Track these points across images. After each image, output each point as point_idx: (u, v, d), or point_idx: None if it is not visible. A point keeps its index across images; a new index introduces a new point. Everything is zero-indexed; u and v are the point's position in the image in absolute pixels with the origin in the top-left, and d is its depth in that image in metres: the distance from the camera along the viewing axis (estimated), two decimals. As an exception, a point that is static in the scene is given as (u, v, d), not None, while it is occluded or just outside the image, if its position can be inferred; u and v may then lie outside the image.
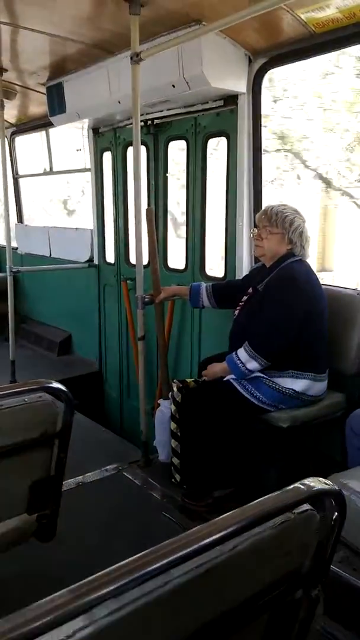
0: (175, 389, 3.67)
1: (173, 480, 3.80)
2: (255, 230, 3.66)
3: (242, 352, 3.44)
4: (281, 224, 3.51)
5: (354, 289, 3.67)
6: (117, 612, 0.98)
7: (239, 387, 3.47)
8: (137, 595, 1.01)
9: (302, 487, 1.27)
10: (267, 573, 1.29)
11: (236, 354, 3.47)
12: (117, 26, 4.00)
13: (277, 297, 3.43)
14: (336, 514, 1.32)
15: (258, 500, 1.21)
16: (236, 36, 3.88)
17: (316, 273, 3.62)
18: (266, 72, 4.07)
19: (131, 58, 3.71)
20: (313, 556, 1.36)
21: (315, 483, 1.29)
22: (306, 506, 1.28)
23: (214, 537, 1.11)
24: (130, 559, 1.03)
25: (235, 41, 3.94)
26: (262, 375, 3.45)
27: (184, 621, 1.14)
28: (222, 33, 3.83)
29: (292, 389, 3.44)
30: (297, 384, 3.45)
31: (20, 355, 6.35)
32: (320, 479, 1.31)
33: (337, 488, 1.31)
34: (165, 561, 1.04)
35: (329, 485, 1.30)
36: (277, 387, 3.43)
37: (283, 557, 1.30)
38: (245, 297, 3.74)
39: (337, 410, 3.61)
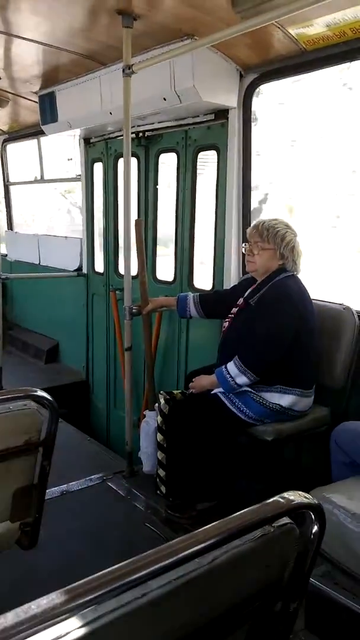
0: (162, 400, 3.66)
1: (158, 492, 3.79)
2: (247, 245, 3.64)
3: (231, 367, 3.43)
4: (273, 239, 3.49)
5: (340, 304, 3.69)
6: (94, 622, 0.98)
7: (226, 401, 3.47)
8: (114, 605, 1.01)
9: (281, 500, 1.27)
10: (247, 585, 1.30)
11: (226, 367, 3.46)
12: (110, 38, 4.03)
13: (270, 313, 3.43)
14: (316, 527, 1.33)
15: (238, 513, 1.22)
16: (228, 51, 3.92)
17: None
18: (257, 87, 4.11)
19: (123, 70, 3.74)
20: (292, 569, 1.37)
21: (295, 497, 1.29)
22: (286, 519, 1.29)
23: (193, 549, 1.11)
24: (109, 569, 1.03)
25: (226, 56, 3.98)
26: (249, 389, 3.45)
27: (161, 633, 1.14)
28: (214, 48, 3.87)
29: (278, 404, 3.44)
30: (284, 400, 3.45)
31: (7, 362, 6.33)
32: (300, 492, 1.32)
33: (316, 502, 1.31)
34: (143, 572, 1.04)
35: (308, 498, 1.30)
36: (264, 402, 3.43)
37: (262, 570, 1.31)
38: (235, 309, 3.74)
39: (322, 425, 3.61)
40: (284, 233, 3.50)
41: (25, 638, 0.90)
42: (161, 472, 3.75)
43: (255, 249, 3.55)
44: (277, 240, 3.49)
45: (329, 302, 3.77)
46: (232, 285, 4.37)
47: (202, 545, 1.11)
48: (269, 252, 3.52)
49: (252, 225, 3.70)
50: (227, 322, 3.77)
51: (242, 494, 3.55)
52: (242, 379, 3.40)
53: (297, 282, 3.55)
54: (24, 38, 4.29)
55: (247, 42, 3.74)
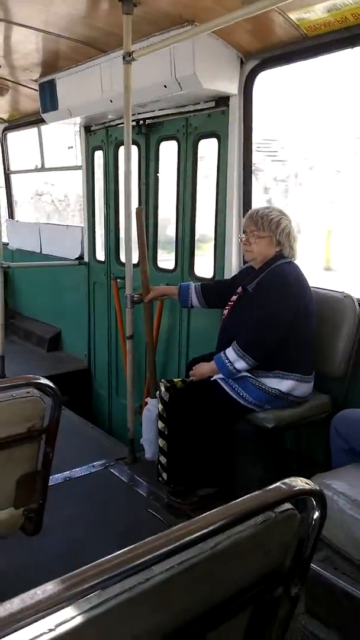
0: (163, 388, 3.68)
1: (160, 479, 3.81)
2: (243, 235, 3.67)
3: (230, 352, 3.46)
4: (268, 227, 3.52)
5: (341, 292, 3.69)
6: (98, 607, 1.00)
7: (225, 387, 3.49)
8: (118, 590, 1.03)
9: (283, 486, 1.29)
10: (248, 571, 1.31)
11: (224, 353, 3.49)
12: (110, 25, 4.01)
13: (267, 297, 3.46)
14: (317, 513, 1.34)
15: (240, 499, 1.23)
16: (228, 37, 3.90)
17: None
18: (258, 74, 4.08)
19: (123, 58, 3.72)
20: (294, 555, 1.38)
21: (297, 483, 1.30)
22: (287, 505, 1.30)
23: (196, 534, 1.12)
24: (112, 555, 1.04)
25: (227, 42, 3.95)
26: (248, 375, 3.47)
27: (165, 617, 1.16)
28: (215, 34, 3.84)
29: (277, 389, 3.46)
30: (283, 384, 3.47)
31: (9, 350, 6.35)
32: (302, 478, 1.33)
33: (318, 488, 1.33)
34: (147, 557, 1.05)
35: (310, 485, 1.32)
36: (263, 387, 3.46)
37: (264, 556, 1.32)
38: (234, 297, 3.76)
39: (323, 412, 3.63)
40: (279, 220, 3.53)
41: (31, 623, 0.92)
42: (162, 459, 3.77)
43: (251, 238, 3.58)
44: (272, 227, 3.52)
45: (330, 290, 3.78)
46: (233, 272, 4.38)
47: (205, 530, 1.13)
48: (265, 239, 3.54)
49: (246, 215, 3.72)
50: (227, 310, 3.79)
51: (243, 480, 3.58)
52: (240, 364, 3.42)
53: (294, 267, 3.57)
54: (23, 25, 4.27)
55: (247, 28, 3.72)
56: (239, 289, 3.72)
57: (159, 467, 3.80)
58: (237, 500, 1.22)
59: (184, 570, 1.12)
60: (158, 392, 3.75)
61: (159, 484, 3.85)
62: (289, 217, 3.60)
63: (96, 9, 3.88)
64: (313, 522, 1.36)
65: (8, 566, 2.93)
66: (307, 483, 1.32)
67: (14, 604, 0.93)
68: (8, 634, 0.89)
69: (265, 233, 3.53)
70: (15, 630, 0.90)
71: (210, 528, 1.14)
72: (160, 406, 3.70)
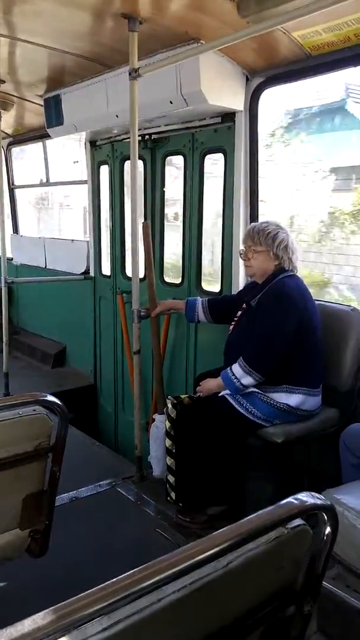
0: (169, 405, 3.66)
1: (168, 498, 3.77)
2: (242, 251, 3.69)
3: (236, 368, 3.45)
4: (264, 241, 3.54)
5: (348, 305, 3.69)
6: (109, 629, 0.98)
7: (233, 403, 3.47)
8: (130, 612, 1.01)
9: (295, 501, 1.27)
10: (261, 589, 1.30)
11: (231, 369, 3.47)
12: (116, 42, 4.04)
13: (270, 312, 3.46)
14: (328, 529, 1.33)
15: (252, 515, 1.22)
16: (234, 55, 3.92)
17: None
18: (263, 90, 4.11)
19: (129, 74, 3.75)
20: (306, 571, 1.36)
21: (308, 498, 1.29)
22: (299, 521, 1.29)
23: (208, 553, 1.11)
24: (124, 575, 1.03)
25: (232, 59, 3.98)
26: (256, 390, 3.46)
27: (177, 637, 1.14)
28: (220, 51, 3.86)
29: (286, 403, 3.44)
30: (292, 399, 3.46)
31: (13, 366, 6.33)
32: (313, 493, 1.32)
33: (329, 503, 1.31)
34: (158, 577, 1.04)
35: (321, 500, 1.30)
36: (271, 402, 3.44)
37: (276, 573, 1.31)
38: (239, 313, 3.76)
39: (331, 426, 3.61)
40: (275, 234, 3.55)
41: None
42: (170, 478, 3.73)
43: (249, 253, 3.61)
44: (268, 241, 3.53)
45: (337, 304, 3.78)
46: (240, 287, 4.38)
47: (217, 548, 1.11)
48: (263, 254, 3.56)
49: (245, 231, 3.75)
50: (232, 325, 3.80)
51: (252, 497, 3.55)
52: (247, 380, 3.41)
53: (296, 281, 3.58)
54: (29, 42, 4.30)
55: (253, 46, 3.74)
56: (244, 305, 3.72)
57: (167, 486, 3.76)
58: (249, 517, 1.21)
59: (196, 590, 1.11)
60: (165, 408, 3.73)
61: (167, 503, 3.81)
62: (286, 231, 3.61)
63: (102, 26, 3.91)
64: (325, 538, 1.34)
65: (14, 588, 2.88)
66: (318, 498, 1.31)
67: (25, 625, 0.92)
68: None
69: (262, 247, 3.55)
70: None
71: (223, 546, 1.13)
72: (167, 423, 3.68)
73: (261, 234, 3.55)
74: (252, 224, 3.75)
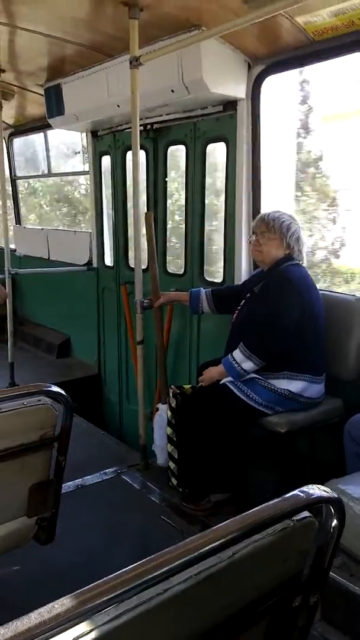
0: (171, 394, 3.68)
1: (170, 483, 3.81)
2: (253, 236, 3.68)
3: (237, 353, 3.47)
4: (279, 230, 3.56)
5: (352, 295, 3.68)
6: (117, 619, 0.99)
7: (234, 389, 3.49)
8: (137, 602, 1.02)
9: (301, 494, 1.27)
10: (267, 580, 1.30)
11: (232, 355, 3.50)
12: (117, 29, 4.00)
13: (272, 297, 3.49)
14: (335, 521, 1.33)
15: (258, 507, 1.21)
16: (236, 42, 3.89)
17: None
18: (265, 78, 4.07)
19: (130, 62, 3.72)
20: (312, 563, 1.37)
21: (315, 490, 1.29)
22: (305, 513, 1.29)
23: (214, 544, 1.11)
24: (131, 566, 1.03)
25: (234, 47, 3.94)
26: (257, 376, 3.47)
27: (183, 628, 1.14)
28: (222, 38, 3.83)
29: (287, 389, 3.45)
30: (293, 385, 3.47)
31: (18, 357, 6.36)
32: (320, 486, 1.31)
33: (336, 495, 1.31)
34: (165, 568, 1.04)
35: (328, 492, 1.30)
36: (272, 387, 3.46)
37: (282, 564, 1.31)
38: (243, 301, 3.76)
39: (335, 416, 3.61)
40: (289, 224, 3.58)
41: (50, 638, 0.91)
42: (172, 465, 3.77)
43: (262, 239, 3.62)
44: (282, 230, 3.56)
45: (341, 293, 3.77)
46: (243, 277, 4.37)
47: (224, 540, 1.12)
48: (275, 241, 3.58)
49: (257, 217, 3.75)
50: (236, 314, 3.80)
51: (256, 486, 3.56)
52: (248, 364, 3.43)
53: (300, 269, 3.60)
54: (28, 30, 4.26)
55: (255, 32, 3.71)
56: (248, 294, 3.73)
57: (169, 472, 3.80)
58: (255, 509, 1.21)
59: (202, 580, 1.11)
60: (168, 397, 3.74)
61: (172, 491, 3.85)
62: (298, 223, 3.64)
63: (102, 14, 3.87)
64: (331, 530, 1.34)
65: (22, 576, 2.92)
66: (325, 490, 1.31)
67: (32, 618, 0.92)
68: None
69: (275, 235, 3.56)
70: None
71: (229, 537, 1.13)
72: (168, 412, 3.70)
73: (276, 222, 3.57)
74: (265, 211, 3.75)
